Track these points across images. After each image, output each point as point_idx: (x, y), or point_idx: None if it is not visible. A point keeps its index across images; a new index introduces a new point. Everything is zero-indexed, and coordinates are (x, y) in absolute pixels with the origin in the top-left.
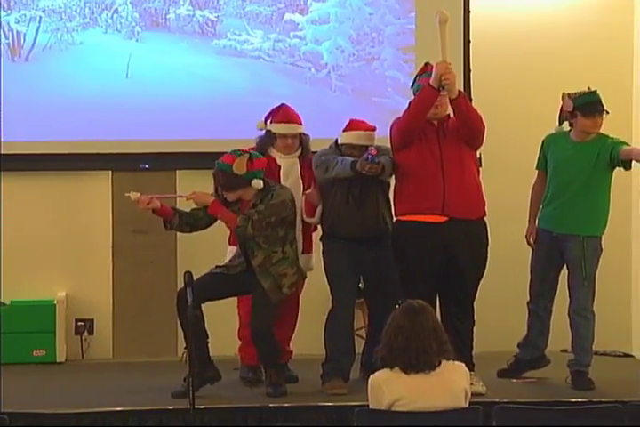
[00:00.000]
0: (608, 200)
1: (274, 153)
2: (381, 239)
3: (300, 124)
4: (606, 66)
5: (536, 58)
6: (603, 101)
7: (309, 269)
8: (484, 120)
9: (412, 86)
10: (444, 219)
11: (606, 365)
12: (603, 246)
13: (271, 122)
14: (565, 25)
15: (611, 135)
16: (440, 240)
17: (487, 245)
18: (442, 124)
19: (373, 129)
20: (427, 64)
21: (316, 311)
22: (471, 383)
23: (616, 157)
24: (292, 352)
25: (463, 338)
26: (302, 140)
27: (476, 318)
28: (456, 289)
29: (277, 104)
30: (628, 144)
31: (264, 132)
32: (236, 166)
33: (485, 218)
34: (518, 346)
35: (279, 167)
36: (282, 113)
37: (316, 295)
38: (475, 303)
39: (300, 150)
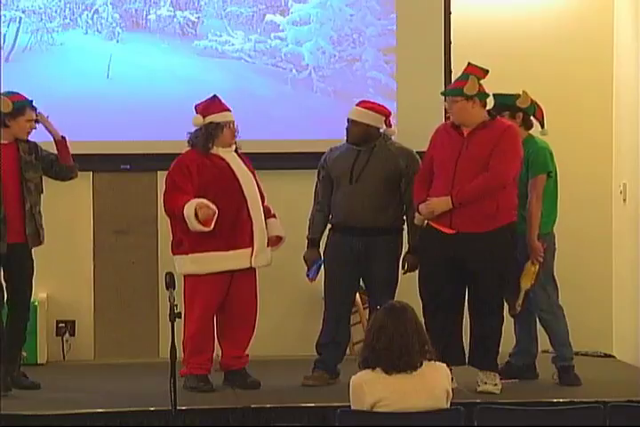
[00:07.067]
0: (549, 197)
1: (214, 149)
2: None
3: None
4: (587, 66)
5: (517, 59)
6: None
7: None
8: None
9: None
10: (452, 231)
11: (587, 365)
12: (556, 242)
13: (210, 114)
14: (546, 26)
15: (539, 136)
16: (451, 246)
17: (504, 253)
18: (472, 134)
19: (382, 112)
20: (469, 64)
21: (302, 312)
22: (484, 382)
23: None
24: (247, 356)
25: (484, 340)
26: None
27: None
28: (475, 295)
29: (210, 97)
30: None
31: (201, 127)
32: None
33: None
34: (510, 355)
35: (227, 162)
36: (219, 102)
37: (300, 295)
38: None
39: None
